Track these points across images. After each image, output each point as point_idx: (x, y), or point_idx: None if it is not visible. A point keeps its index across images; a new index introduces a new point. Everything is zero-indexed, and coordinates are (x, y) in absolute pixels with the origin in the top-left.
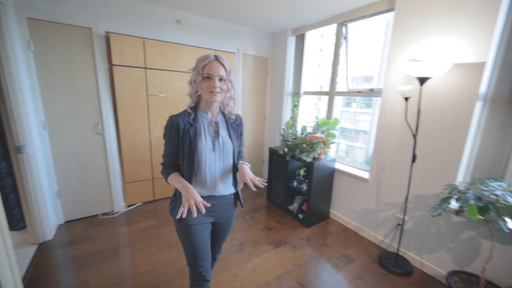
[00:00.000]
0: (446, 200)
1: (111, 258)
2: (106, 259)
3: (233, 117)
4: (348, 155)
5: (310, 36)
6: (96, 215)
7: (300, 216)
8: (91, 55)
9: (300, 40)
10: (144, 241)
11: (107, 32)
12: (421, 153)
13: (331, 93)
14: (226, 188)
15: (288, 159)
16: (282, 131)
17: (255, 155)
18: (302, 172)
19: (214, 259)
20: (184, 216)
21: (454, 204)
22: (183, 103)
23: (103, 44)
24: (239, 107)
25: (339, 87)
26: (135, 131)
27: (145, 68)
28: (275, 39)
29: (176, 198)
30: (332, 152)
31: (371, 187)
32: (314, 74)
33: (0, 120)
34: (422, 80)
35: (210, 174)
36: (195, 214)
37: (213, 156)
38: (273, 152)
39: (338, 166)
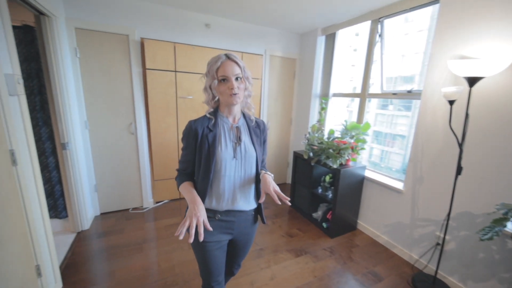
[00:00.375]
0: (500, 222)
1: (137, 252)
2: (132, 252)
3: (252, 117)
4: (383, 161)
5: (342, 35)
6: (127, 209)
7: (324, 225)
8: (127, 60)
9: (330, 39)
10: (167, 237)
11: (142, 38)
12: (468, 164)
13: (363, 95)
14: (246, 203)
15: (313, 164)
16: (307, 135)
17: (279, 158)
18: (327, 178)
19: (232, 274)
20: (181, 238)
21: (510, 228)
22: None
23: (138, 49)
24: (264, 109)
25: (374, 89)
26: (164, 131)
27: (175, 71)
28: (303, 40)
29: None
30: (364, 157)
31: (405, 199)
32: (346, 75)
33: (50, 119)
34: (472, 81)
35: (229, 185)
36: (191, 240)
37: (234, 164)
38: (297, 156)
39: (368, 174)
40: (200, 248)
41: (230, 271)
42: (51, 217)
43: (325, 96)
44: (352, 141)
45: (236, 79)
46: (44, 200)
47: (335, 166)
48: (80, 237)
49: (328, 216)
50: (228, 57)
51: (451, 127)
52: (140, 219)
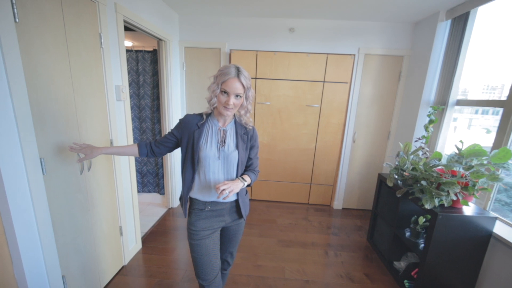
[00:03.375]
0: None
1: None
2: None
3: (249, 127)
4: None
5: (479, 15)
6: None
7: (407, 283)
8: (217, 70)
9: (459, 24)
10: None
11: (231, 50)
12: None
13: (510, 104)
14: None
15: (399, 195)
16: (399, 155)
17: (367, 179)
18: (421, 220)
19: (227, 263)
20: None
21: None
22: (286, 111)
23: (227, 60)
24: (352, 118)
25: None
26: None
27: (256, 78)
28: (416, 30)
29: (181, 196)
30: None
31: None
32: (482, 75)
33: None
34: None
35: (214, 179)
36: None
37: (217, 164)
38: (382, 180)
39: (501, 230)
40: (190, 238)
41: (224, 260)
42: (154, 192)
43: (441, 104)
44: (467, 173)
45: (236, 96)
46: (134, 177)
47: (427, 206)
48: (169, 212)
49: (413, 273)
50: (237, 74)
51: None
52: None
